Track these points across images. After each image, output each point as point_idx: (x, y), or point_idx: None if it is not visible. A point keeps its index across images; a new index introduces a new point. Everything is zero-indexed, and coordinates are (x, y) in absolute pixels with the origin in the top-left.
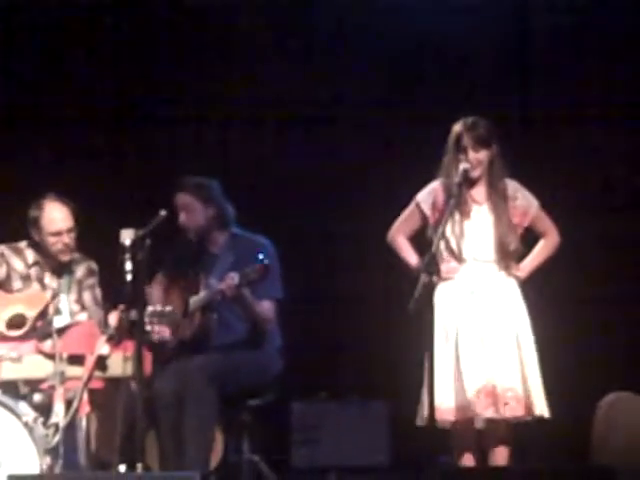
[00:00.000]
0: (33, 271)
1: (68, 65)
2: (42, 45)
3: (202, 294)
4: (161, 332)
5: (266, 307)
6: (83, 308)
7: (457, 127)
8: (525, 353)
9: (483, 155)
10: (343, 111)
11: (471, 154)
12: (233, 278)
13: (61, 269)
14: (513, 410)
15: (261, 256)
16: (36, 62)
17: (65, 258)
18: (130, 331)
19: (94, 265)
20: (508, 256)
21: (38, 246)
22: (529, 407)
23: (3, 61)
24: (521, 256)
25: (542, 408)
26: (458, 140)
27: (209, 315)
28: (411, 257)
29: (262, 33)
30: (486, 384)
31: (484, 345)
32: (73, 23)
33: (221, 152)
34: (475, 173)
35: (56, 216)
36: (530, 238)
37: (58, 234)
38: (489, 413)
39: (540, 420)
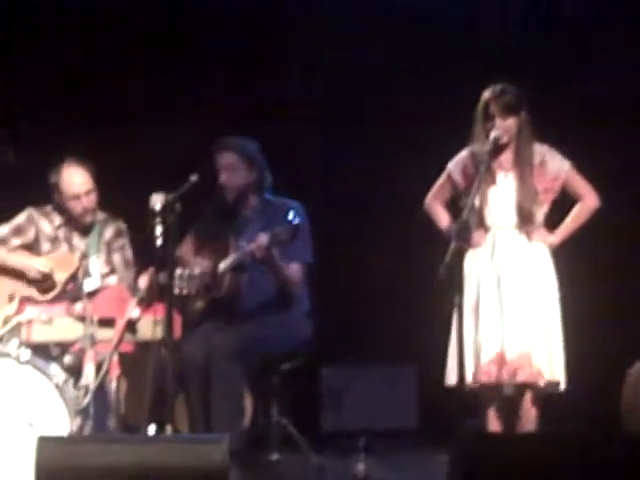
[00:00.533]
0: (61, 232)
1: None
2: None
3: (232, 256)
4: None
5: (294, 269)
6: (112, 270)
7: (485, 94)
8: (547, 320)
9: (511, 122)
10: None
11: (499, 122)
12: (263, 239)
13: (88, 230)
14: (524, 376)
15: (291, 216)
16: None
17: (87, 220)
18: (160, 294)
19: (123, 225)
20: (530, 223)
21: (61, 209)
22: (543, 373)
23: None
24: (555, 222)
25: (558, 376)
26: (486, 107)
27: (239, 276)
28: (445, 223)
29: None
30: (499, 350)
31: (501, 312)
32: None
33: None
34: (503, 139)
35: (74, 180)
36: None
37: (77, 197)
38: (500, 378)
39: (555, 388)
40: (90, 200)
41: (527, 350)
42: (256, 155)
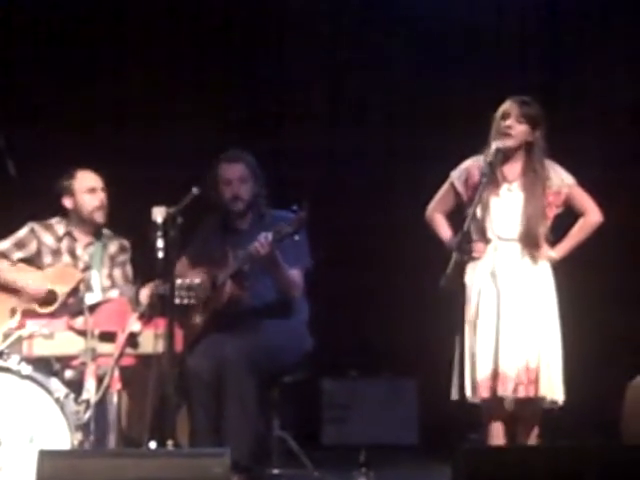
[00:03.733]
0: (64, 244)
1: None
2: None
3: (231, 264)
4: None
5: (295, 275)
6: (114, 284)
7: (508, 101)
8: (546, 336)
9: (522, 128)
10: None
11: (511, 121)
12: (267, 236)
13: (94, 238)
14: (524, 391)
15: (295, 207)
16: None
17: (100, 219)
18: (161, 307)
19: (126, 243)
20: (533, 240)
21: (70, 216)
22: (540, 389)
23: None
24: (559, 237)
25: (557, 392)
26: (505, 113)
27: (240, 284)
28: (446, 234)
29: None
30: (497, 365)
31: (500, 327)
32: None
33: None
34: (508, 142)
35: (89, 178)
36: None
37: (92, 190)
38: (499, 393)
39: (554, 404)
40: (104, 197)
41: (526, 366)
42: (260, 171)
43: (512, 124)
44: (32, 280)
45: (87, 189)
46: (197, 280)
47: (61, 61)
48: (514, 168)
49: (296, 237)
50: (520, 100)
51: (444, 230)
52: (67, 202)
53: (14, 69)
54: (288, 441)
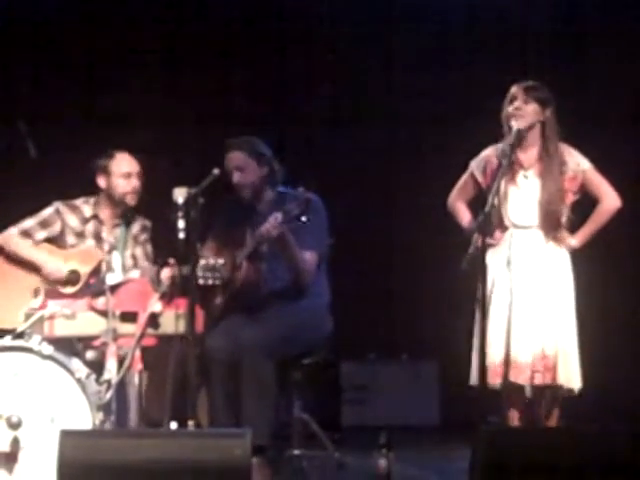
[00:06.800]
0: (89, 226)
1: None
2: None
3: (248, 245)
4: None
5: (307, 257)
6: (137, 262)
7: (514, 86)
8: (562, 324)
9: (532, 108)
10: None
11: (519, 103)
12: (277, 217)
13: (120, 220)
14: (541, 379)
15: (301, 189)
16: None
17: (132, 202)
18: (183, 288)
19: (148, 223)
20: (554, 223)
21: (100, 196)
22: (559, 377)
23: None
24: (575, 224)
25: (573, 378)
26: (513, 98)
27: (257, 266)
28: (468, 220)
29: None
30: (506, 352)
31: (512, 314)
32: None
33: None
34: (521, 123)
35: (126, 161)
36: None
37: (128, 176)
38: (501, 379)
39: (570, 391)
40: (139, 183)
41: (542, 353)
42: (264, 150)
43: (520, 105)
44: (51, 261)
45: (123, 174)
46: (221, 260)
47: (85, 54)
48: (530, 154)
49: (303, 218)
50: (526, 84)
51: (466, 217)
52: (101, 181)
53: (41, 57)
54: (309, 423)
